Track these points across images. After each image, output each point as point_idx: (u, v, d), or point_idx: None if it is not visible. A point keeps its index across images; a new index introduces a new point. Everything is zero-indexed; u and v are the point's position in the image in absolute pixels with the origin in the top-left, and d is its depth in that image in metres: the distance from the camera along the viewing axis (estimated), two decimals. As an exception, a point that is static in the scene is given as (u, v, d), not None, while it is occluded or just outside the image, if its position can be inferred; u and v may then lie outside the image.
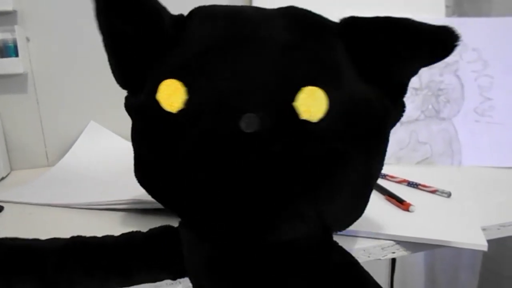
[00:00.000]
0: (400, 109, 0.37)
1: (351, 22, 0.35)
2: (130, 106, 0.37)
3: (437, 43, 0.33)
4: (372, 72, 0.34)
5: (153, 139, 0.34)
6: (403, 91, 0.36)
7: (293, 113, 0.31)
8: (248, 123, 0.30)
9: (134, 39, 0.34)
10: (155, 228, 0.39)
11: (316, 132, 0.31)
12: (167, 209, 0.39)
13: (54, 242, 0.37)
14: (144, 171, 0.37)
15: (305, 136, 0.31)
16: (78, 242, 0.37)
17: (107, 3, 0.34)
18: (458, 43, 0.32)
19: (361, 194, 0.36)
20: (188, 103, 0.32)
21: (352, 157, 0.33)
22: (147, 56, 0.35)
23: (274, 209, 0.32)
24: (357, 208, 0.37)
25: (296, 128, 0.31)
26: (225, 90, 0.31)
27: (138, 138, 0.36)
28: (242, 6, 0.37)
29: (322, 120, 0.31)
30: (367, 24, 0.34)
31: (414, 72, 0.36)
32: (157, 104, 0.32)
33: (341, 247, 0.39)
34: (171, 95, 0.32)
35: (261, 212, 0.32)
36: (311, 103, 0.31)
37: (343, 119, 0.32)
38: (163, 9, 0.35)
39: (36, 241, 0.37)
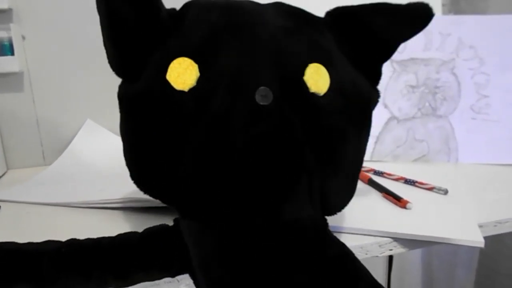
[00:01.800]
0: (377, 95, 0.40)
1: (336, 11, 0.38)
2: (125, 94, 0.36)
3: (415, 13, 0.37)
4: (359, 57, 0.38)
5: (161, 122, 0.33)
6: (379, 77, 0.40)
7: (304, 86, 0.33)
8: (263, 95, 0.31)
9: (133, 20, 0.34)
10: (151, 228, 0.39)
11: (323, 106, 0.33)
12: (166, 205, 0.39)
13: (49, 245, 0.36)
14: (144, 163, 0.36)
15: (315, 109, 0.33)
16: (73, 244, 0.36)
17: None
18: (433, 13, 0.37)
19: (354, 173, 0.38)
20: (201, 81, 0.32)
21: (350, 134, 0.36)
22: (146, 41, 0.35)
23: (289, 180, 0.32)
24: (351, 188, 0.39)
25: (308, 100, 0.33)
26: (238, 67, 0.32)
27: (136, 127, 0.35)
28: (237, 0, 0.38)
29: (325, 95, 0.33)
30: (351, 11, 0.38)
31: (392, 50, 0.39)
32: (164, 85, 0.32)
33: (335, 237, 0.39)
34: (183, 73, 0.32)
35: (277, 185, 0.32)
36: (318, 78, 0.33)
37: (340, 96, 0.35)
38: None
39: (30, 244, 0.36)
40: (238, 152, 0.31)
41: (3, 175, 0.74)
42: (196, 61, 0.32)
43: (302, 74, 0.33)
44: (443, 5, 0.82)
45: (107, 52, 0.37)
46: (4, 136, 0.76)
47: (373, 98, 0.39)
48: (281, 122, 0.32)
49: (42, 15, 0.74)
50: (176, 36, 0.35)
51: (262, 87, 0.31)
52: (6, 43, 0.72)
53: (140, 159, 0.36)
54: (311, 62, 0.34)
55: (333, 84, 0.34)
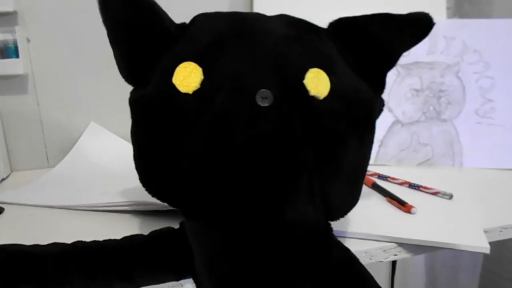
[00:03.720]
0: (380, 103, 0.41)
1: (339, 22, 0.40)
2: (137, 98, 0.38)
3: (416, 23, 0.38)
4: (362, 66, 0.39)
5: (164, 126, 0.35)
6: (383, 85, 0.41)
7: (304, 89, 0.34)
8: (264, 97, 0.33)
9: (140, 29, 0.36)
10: (156, 231, 0.39)
11: (322, 109, 0.35)
12: (171, 209, 0.39)
13: (54, 247, 0.36)
14: (150, 165, 0.37)
15: (315, 112, 0.34)
16: (79, 247, 0.36)
17: None
18: (434, 22, 0.38)
19: (356, 178, 0.39)
20: (205, 83, 0.34)
21: (350, 138, 0.37)
22: (152, 48, 0.36)
23: (289, 181, 0.33)
24: (353, 193, 0.39)
25: (307, 103, 0.34)
26: (240, 70, 0.34)
27: (143, 131, 0.37)
28: (241, 12, 0.41)
29: (325, 100, 0.35)
30: (353, 22, 0.39)
31: (395, 60, 0.40)
32: (171, 88, 0.34)
33: (340, 242, 0.39)
34: (188, 76, 0.34)
35: (277, 184, 0.33)
36: (318, 82, 0.34)
37: (340, 102, 0.36)
38: (161, 11, 0.37)
39: (35, 246, 0.36)
40: (239, 151, 0.32)
41: (7, 177, 0.74)
42: (200, 65, 0.34)
43: (302, 77, 0.34)
44: (447, 8, 0.82)
45: (116, 60, 0.38)
46: (8, 138, 0.76)
47: (376, 106, 0.40)
48: (281, 122, 0.33)
49: (47, 18, 0.74)
50: (182, 42, 0.36)
51: (262, 89, 0.33)
52: (11, 45, 0.72)
53: (147, 161, 0.37)
54: (311, 67, 0.35)
55: (333, 90, 0.35)
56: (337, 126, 0.36)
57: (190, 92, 0.34)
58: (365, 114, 0.39)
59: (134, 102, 0.38)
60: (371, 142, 0.40)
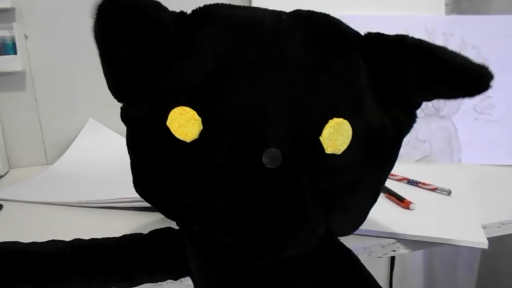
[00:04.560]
0: (413, 120, 0.35)
1: (377, 40, 0.32)
2: (129, 118, 0.34)
3: (467, 81, 0.30)
4: (391, 93, 0.33)
5: (158, 161, 0.32)
6: (418, 107, 0.35)
7: (319, 147, 0.29)
8: (271, 158, 0.28)
9: (135, 62, 0.31)
10: (156, 230, 0.38)
11: (338, 165, 0.30)
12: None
13: (52, 245, 0.36)
14: (146, 186, 0.35)
15: (329, 170, 0.30)
16: (77, 245, 0.36)
17: (105, 28, 0.31)
18: (491, 84, 0.30)
19: (368, 207, 0.36)
20: (204, 134, 0.29)
21: (365, 179, 0.33)
22: (150, 71, 0.31)
23: (290, 232, 0.30)
24: (362, 217, 0.36)
25: (321, 162, 0.29)
26: (245, 121, 0.28)
27: (138, 151, 0.34)
28: (255, 11, 0.33)
29: (344, 152, 0.30)
30: (394, 45, 0.32)
31: (431, 99, 0.35)
32: (165, 130, 0.30)
33: (342, 244, 0.39)
34: (185, 125, 0.29)
35: (277, 235, 0.30)
36: (338, 137, 0.29)
37: (363, 148, 0.31)
38: (164, 18, 0.31)
39: (33, 244, 0.36)
40: (239, 209, 0.29)
41: (5, 174, 0.74)
42: (199, 112, 0.29)
43: (319, 132, 0.29)
44: (446, 5, 0.82)
45: (106, 80, 0.34)
46: (6, 135, 0.76)
47: (405, 129, 0.35)
48: (288, 187, 0.29)
49: (45, 15, 0.74)
50: (182, 62, 0.31)
51: (270, 149, 0.28)
52: (8, 42, 0.72)
53: (142, 179, 0.34)
54: (332, 117, 0.29)
55: (357, 136, 0.30)
56: (353, 176, 0.31)
57: (188, 141, 0.29)
58: (388, 152, 0.34)
59: (127, 121, 0.34)
60: (392, 168, 0.36)
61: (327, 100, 0.30)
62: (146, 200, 0.36)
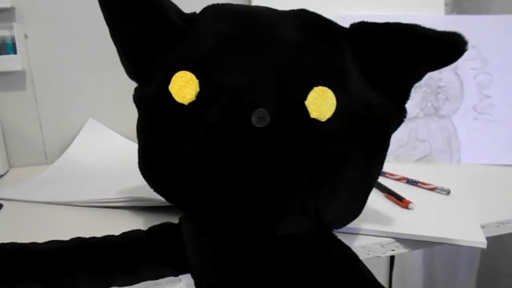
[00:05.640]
0: (402, 114, 0.38)
1: (361, 28, 0.36)
2: (140, 97, 0.38)
3: (444, 48, 0.34)
4: (378, 77, 0.35)
5: (162, 130, 0.35)
6: (406, 97, 0.37)
7: (304, 111, 0.31)
8: (259, 118, 0.31)
9: (140, 23, 0.34)
10: (155, 226, 0.39)
11: (323, 132, 0.32)
12: (169, 204, 0.39)
13: (54, 244, 0.36)
14: (149, 164, 0.37)
15: (314, 135, 0.32)
16: (79, 243, 0.36)
17: None
18: (466, 48, 0.33)
19: (359, 194, 0.37)
20: (200, 96, 0.32)
21: (354, 158, 0.34)
22: (155, 44, 0.35)
23: (281, 201, 0.32)
24: (354, 207, 0.38)
25: (306, 126, 0.32)
26: (237, 85, 0.32)
27: (145, 129, 0.37)
28: (255, 6, 0.38)
29: (329, 120, 0.32)
30: (376, 30, 0.35)
31: (420, 78, 0.37)
32: (168, 95, 0.33)
33: (340, 240, 0.39)
34: (184, 86, 0.33)
35: (269, 203, 0.32)
36: (321, 103, 0.32)
37: (348, 121, 0.33)
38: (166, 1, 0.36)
39: (35, 244, 0.36)
40: (230, 168, 0.31)
41: (5, 173, 0.74)
42: (197, 76, 0.33)
43: (304, 98, 0.32)
44: (446, 4, 0.82)
45: (119, 55, 0.38)
46: (6, 135, 0.76)
47: (392, 120, 0.37)
48: (274, 147, 0.31)
49: (45, 14, 0.74)
50: (184, 42, 0.35)
51: (259, 109, 0.31)
52: (8, 41, 0.72)
53: (147, 156, 0.37)
54: (317, 85, 0.32)
55: (341, 108, 0.32)
56: (338, 148, 0.33)
57: (186, 103, 0.33)
58: (375, 131, 0.36)
59: (137, 101, 0.38)
60: (383, 157, 0.38)
61: (311, 70, 0.33)
62: (150, 183, 0.38)
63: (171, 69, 0.34)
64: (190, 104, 0.32)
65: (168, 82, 0.33)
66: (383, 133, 0.37)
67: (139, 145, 0.38)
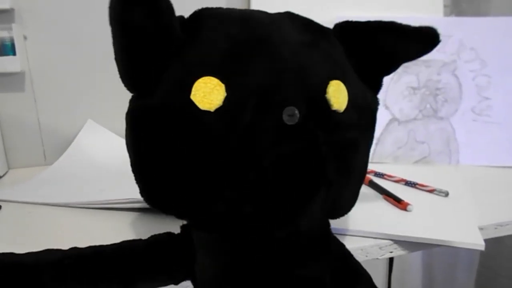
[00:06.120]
0: (378, 103, 0.41)
1: (347, 25, 0.39)
2: (140, 109, 0.35)
3: (424, 36, 0.38)
4: (364, 69, 0.38)
5: (184, 141, 0.32)
6: (380, 87, 0.41)
7: (326, 104, 0.33)
8: (290, 115, 0.31)
9: (150, 34, 0.33)
10: (156, 235, 0.38)
11: (343, 122, 0.34)
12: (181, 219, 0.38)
13: (50, 256, 0.35)
14: (160, 181, 0.34)
15: (337, 126, 0.34)
16: (75, 255, 0.35)
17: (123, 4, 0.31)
18: (440, 39, 0.38)
19: (360, 180, 0.39)
20: (227, 100, 0.31)
21: (361, 145, 0.37)
22: (161, 55, 0.33)
23: (310, 195, 0.33)
24: (355, 196, 0.39)
25: (331, 118, 0.34)
26: (264, 85, 0.32)
27: (151, 144, 0.34)
28: (247, 10, 0.39)
29: (345, 111, 0.34)
30: (361, 27, 0.39)
31: (397, 68, 0.41)
32: (189, 104, 0.31)
33: (336, 238, 0.40)
34: (210, 93, 0.31)
35: (298, 201, 0.32)
36: (339, 95, 0.34)
37: (355, 111, 0.35)
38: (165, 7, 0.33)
39: (30, 256, 0.35)
40: (266, 171, 0.31)
41: (4, 174, 0.74)
42: (222, 80, 0.31)
43: (325, 91, 0.33)
44: (444, 6, 0.82)
45: (118, 65, 0.35)
46: (5, 136, 0.76)
47: (376, 106, 0.41)
48: (308, 141, 0.32)
49: (44, 15, 0.74)
50: (194, 49, 0.33)
51: (289, 107, 0.31)
52: (7, 43, 0.72)
53: (155, 176, 0.35)
54: (331, 79, 0.34)
55: (350, 99, 0.35)
56: (353, 136, 0.35)
57: (212, 110, 0.31)
58: (372, 119, 0.39)
59: (137, 113, 0.35)
60: (372, 142, 0.41)
61: (323, 67, 0.35)
62: (155, 204, 0.36)
63: (188, 76, 0.32)
64: (217, 110, 0.31)
65: (185, 90, 0.32)
66: (374, 120, 0.40)
67: (136, 162, 0.35)
